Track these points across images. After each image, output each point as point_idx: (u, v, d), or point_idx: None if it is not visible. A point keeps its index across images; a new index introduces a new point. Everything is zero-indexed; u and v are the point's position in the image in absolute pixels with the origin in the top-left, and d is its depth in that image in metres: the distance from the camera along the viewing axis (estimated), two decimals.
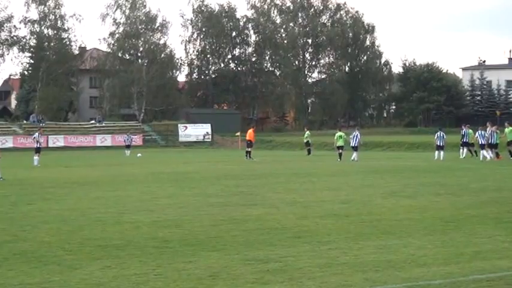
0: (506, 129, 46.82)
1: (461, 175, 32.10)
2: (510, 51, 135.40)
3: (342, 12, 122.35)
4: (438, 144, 48.21)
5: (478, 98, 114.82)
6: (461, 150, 51.04)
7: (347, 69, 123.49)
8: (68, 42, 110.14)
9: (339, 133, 51.04)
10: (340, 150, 48.86)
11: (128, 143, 67.13)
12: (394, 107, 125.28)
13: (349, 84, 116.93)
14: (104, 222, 16.97)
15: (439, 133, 48.91)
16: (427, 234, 14.97)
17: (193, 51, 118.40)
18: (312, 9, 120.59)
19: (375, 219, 17.30)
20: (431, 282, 10.57)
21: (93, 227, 16.19)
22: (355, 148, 47.79)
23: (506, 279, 10.60)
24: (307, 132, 59.35)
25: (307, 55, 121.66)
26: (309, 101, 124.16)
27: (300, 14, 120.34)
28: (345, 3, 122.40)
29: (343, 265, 11.89)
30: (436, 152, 47.85)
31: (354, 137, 48.85)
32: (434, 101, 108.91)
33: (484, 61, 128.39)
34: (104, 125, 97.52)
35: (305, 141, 59.28)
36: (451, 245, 13.67)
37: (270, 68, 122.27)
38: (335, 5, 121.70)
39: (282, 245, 13.78)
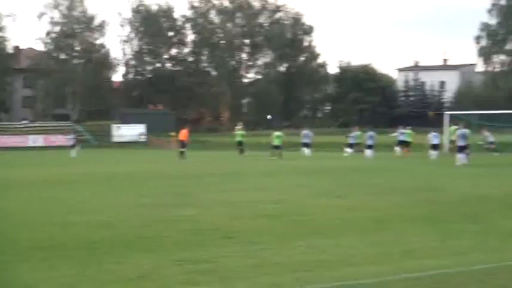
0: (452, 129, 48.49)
1: (393, 175, 32.43)
2: (444, 53, 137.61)
3: (281, 13, 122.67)
4: (369, 143, 49.07)
5: (412, 98, 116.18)
6: (397, 148, 52.12)
7: (283, 69, 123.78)
8: (2, 42, 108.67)
9: (277, 133, 51.32)
10: (279, 150, 49.19)
11: (71, 143, 65.79)
12: (329, 107, 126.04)
13: (285, 85, 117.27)
14: (33, 224, 16.69)
15: (370, 133, 49.73)
16: (358, 234, 15.05)
17: (130, 51, 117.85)
18: (251, 10, 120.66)
19: (307, 219, 17.33)
20: (362, 281, 10.61)
21: (21, 229, 15.93)
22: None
23: (435, 278, 10.70)
24: (240, 131, 58.26)
25: (244, 55, 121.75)
26: (245, 101, 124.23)
27: (238, 14, 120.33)
28: (284, 4, 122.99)
29: (274, 265, 11.88)
30: (368, 151, 48.65)
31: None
32: (369, 102, 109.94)
33: (419, 62, 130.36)
34: (36, 125, 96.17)
35: (237, 140, 58.48)
36: (381, 245, 13.76)
37: (207, 68, 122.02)
38: (274, 6, 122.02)
39: (213, 245, 13.71)
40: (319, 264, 11.90)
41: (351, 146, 53.55)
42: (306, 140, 53.72)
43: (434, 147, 48.18)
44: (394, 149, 52.70)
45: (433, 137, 48.56)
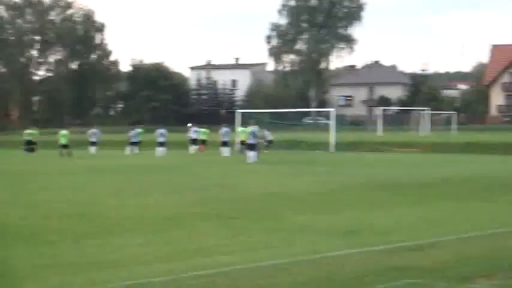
0: (240, 129, 49.38)
1: (185, 173, 32.66)
2: (235, 52, 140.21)
3: (72, 9, 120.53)
4: (160, 141, 49.33)
5: (204, 97, 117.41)
6: (190, 147, 52.64)
7: (75, 67, 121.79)
8: None
9: (63, 132, 50.28)
10: (68, 149, 48.30)
11: None
12: (121, 105, 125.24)
13: (77, 82, 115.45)
14: None
15: (161, 131, 49.97)
16: (149, 232, 15.09)
17: None
18: (41, 6, 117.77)
19: (99, 218, 17.19)
20: (153, 279, 10.62)
21: None
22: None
23: (227, 275, 10.86)
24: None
25: (34, 52, 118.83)
26: (35, 98, 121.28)
27: (28, 10, 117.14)
28: (75, 1, 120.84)
29: (66, 265, 11.73)
30: (158, 149, 48.85)
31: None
32: (161, 100, 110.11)
33: (211, 61, 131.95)
34: None
35: (26, 139, 55.83)
36: (173, 242, 13.86)
37: None
38: (65, 2, 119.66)
39: (2, 246, 13.34)
40: (111, 264, 11.85)
41: (135, 144, 53.48)
42: (93, 139, 53.31)
43: (225, 144, 49.16)
44: (189, 147, 53.16)
45: (223, 134, 49.54)
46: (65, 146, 48.65)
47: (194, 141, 53.26)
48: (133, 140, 53.73)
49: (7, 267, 11.62)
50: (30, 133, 55.24)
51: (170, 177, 29.77)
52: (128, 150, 52.83)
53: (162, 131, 50.21)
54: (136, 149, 53.06)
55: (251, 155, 40.69)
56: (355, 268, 11.21)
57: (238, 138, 50.21)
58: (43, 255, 12.57)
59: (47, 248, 13.22)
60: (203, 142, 53.24)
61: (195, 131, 53.51)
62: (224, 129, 50.21)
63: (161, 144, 49.52)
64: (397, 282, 10.22)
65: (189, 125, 55.57)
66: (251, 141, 41.41)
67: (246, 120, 49.95)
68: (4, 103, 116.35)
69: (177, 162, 40.60)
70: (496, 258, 11.87)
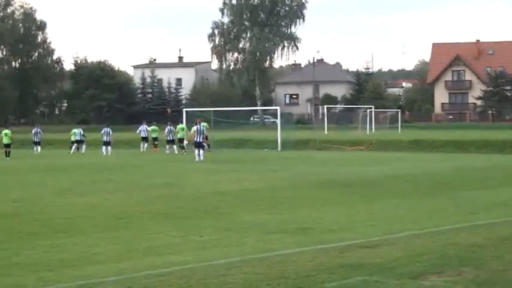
0: (179, 126, 49.10)
1: (132, 172, 32.48)
2: (180, 50, 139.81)
3: (13, 7, 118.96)
4: (105, 140, 49.04)
5: (150, 95, 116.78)
6: (141, 145, 52.39)
7: (17, 65, 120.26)
8: None
9: (5, 131, 49.60)
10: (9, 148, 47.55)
11: None
12: (66, 104, 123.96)
13: (19, 81, 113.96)
14: None
15: (105, 129, 49.65)
16: (99, 232, 14.99)
17: None
18: None
19: (47, 218, 17.03)
20: (105, 279, 10.54)
21: None
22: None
23: (177, 274, 10.80)
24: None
25: None
26: None
27: None
28: None
29: (14, 266, 11.61)
30: (103, 148, 48.59)
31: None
32: (106, 99, 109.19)
33: (155, 59, 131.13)
34: None
35: None
36: (123, 242, 13.78)
37: None
38: (5, 0, 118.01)
39: None
40: (62, 264, 11.75)
41: (80, 142, 53.00)
42: (36, 139, 52.83)
43: (169, 142, 49.42)
44: (140, 145, 52.81)
45: (167, 132, 49.85)
46: (7, 145, 47.92)
47: (145, 139, 52.99)
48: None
49: None
50: None
51: (116, 176, 29.56)
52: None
53: (107, 129, 49.83)
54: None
55: (199, 153, 40.51)
56: (307, 266, 11.22)
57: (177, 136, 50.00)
58: None
59: None
60: (154, 140, 52.80)
61: (145, 130, 53.00)
62: (167, 128, 50.33)
63: (106, 143, 49.19)
64: (350, 280, 10.26)
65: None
66: (198, 139, 41.21)
67: (192, 119, 49.81)
68: None
69: (123, 161, 40.34)
70: (446, 255, 11.98)
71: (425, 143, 52.33)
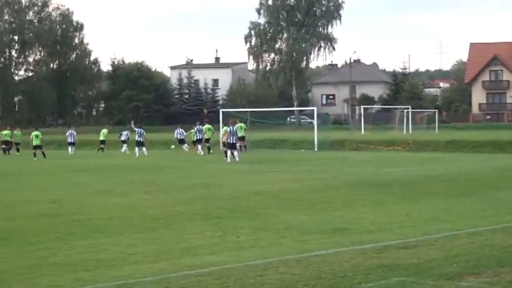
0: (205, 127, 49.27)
1: (169, 172, 32.58)
2: (216, 51, 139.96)
3: (49, 8, 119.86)
4: (138, 140, 48.96)
5: (186, 96, 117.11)
6: (183, 147, 52.59)
7: (55, 67, 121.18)
8: None
9: (35, 132, 49.88)
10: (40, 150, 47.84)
11: None
12: (103, 105, 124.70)
13: (57, 82, 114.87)
14: None
15: (138, 130, 49.69)
16: (137, 232, 15.05)
17: None
18: (18, 6, 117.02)
19: (85, 218, 17.14)
20: (142, 279, 10.61)
21: None
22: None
23: (215, 274, 10.84)
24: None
25: (13, 52, 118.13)
26: (16, 99, 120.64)
27: (5, 10, 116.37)
28: (50, 0, 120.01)
29: (53, 265, 11.68)
30: (136, 149, 48.48)
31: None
32: (143, 100, 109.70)
33: (192, 60, 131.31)
34: None
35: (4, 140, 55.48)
36: (161, 242, 13.82)
37: None
38: (42, 2, 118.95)
39: None
40: (99, 264, 11.81)
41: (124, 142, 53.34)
42: (70, 140, 53.12)
43: (198, 141, 49.53)
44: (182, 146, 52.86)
45: (195, 132, 49.98)
46: (37, 147, 48.17)
47: (181, 141, 53.11)
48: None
49: None
50: (6, 134, 54.79)
51: (153, 177, 29.67)
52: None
53: (140, 130, 49.79)
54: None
55: (232, 154, 40.31)
56: (344, 266, 11.21)
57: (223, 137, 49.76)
58: (30, 255, 12.51)
59: (33, 249, 13.16)
60: (207, 140, 51.78)
61: (199, 130, 52.11)
62: (196, 127, 50.31)
63: (140, 143, 49.05)
64: (386, 281, 10.23)
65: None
66: (231, 140, 40.86)
67: (229, 120, 49.70)
68: None
69: (159, 162, 40.47)
70: (483, 256, 11.91)
71: (462, 144, 51.85)
